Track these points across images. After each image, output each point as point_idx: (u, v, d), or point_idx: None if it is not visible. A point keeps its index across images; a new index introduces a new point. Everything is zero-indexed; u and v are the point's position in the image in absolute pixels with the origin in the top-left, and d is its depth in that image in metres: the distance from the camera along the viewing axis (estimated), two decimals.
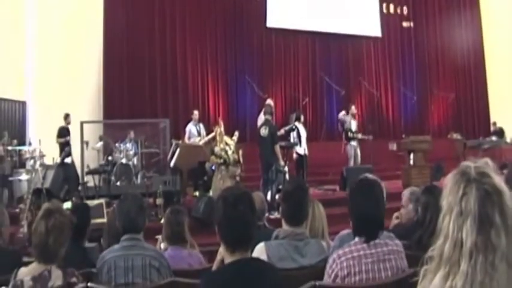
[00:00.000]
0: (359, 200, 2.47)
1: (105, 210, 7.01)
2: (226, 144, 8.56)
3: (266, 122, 8.39)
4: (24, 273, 2.48)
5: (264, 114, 8.62)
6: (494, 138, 13.68)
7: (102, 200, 7.50)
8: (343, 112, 11.36)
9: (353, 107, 11.31)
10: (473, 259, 1.23)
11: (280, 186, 8.67)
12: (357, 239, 2.44)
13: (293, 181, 3.47)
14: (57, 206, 2.60)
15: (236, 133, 9.21)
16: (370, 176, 2.65)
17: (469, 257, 1.23)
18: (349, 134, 10.80)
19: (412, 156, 10.08)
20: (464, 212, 1.26)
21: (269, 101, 10.25)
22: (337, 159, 11.47)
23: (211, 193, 8.63)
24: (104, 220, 6.32)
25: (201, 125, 10.64)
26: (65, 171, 9.11)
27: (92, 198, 8.28)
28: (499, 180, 1.28)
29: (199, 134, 10.42)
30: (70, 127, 10.25)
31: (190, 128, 10.47)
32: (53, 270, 2.48)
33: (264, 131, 8.24)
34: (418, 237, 2.99)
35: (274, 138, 8.21)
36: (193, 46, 13.99)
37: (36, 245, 2.48)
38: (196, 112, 10.68)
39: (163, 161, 10.90)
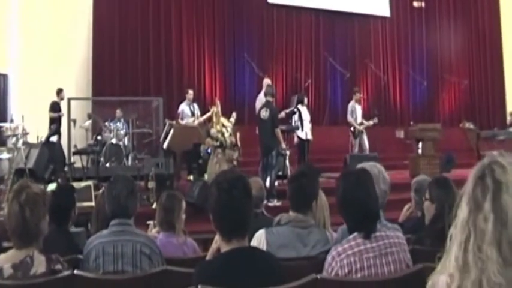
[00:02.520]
0: (349, 193, 2.43)
1: (93, 193, 6.99)
2: (223, 126, 8.53)
3: (267, 104, 8.34)
4: (3, 260, 2.42)
5: (265, 95, 8.56)
6: (511, 129, 13.62)
7: (90, 182, 7.48)
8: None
9: (357, 93, 11.30)
10: (465, 236, 1.30)
11: (280, 172, 8.70)
12: (355, 233, 2.40)
13: (304, 165, 3.46)
14: (26, 182, 2.55)
15: (234, 114, 9.17)
16: (359, 167, 2.66)
17: (462, 234, 1.31)
18: (355, 131, 10.80)
19: (420, 145, 10.08)
20: (464, 191, 1.35)
21: (267, 80, 10.19)
22: (340, 145, 11.46)
23: (206, 177, 8.63)
24: (92, 203, 6.30)
25: (195, 105, 10.60)
26: (50, 151, 9.06)
27: (79, 180, 8.27)
28: (509, 172, 1.32)
29: (193, 114, 10.38)
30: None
31: (184, 108, 10.43)
32: (35, 256, 2.42)
33: (264, 114, 8.20)
34: (434, 231, 2.96)
35: (274, 121, 8.18)
36: (189, 20, 13.86)
37: (13, 227, 2.39)
38: (191, 91, 10.63)
39: (156, 142, 10.87)
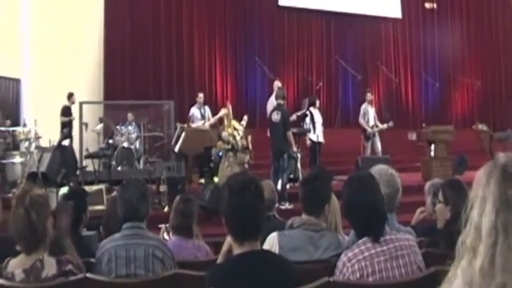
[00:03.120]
0: (354, 198, 2.43)
1: (105, 197, 7.04)
2: (235, 129, 8.55)
3: (278, 107, 8.36)
4: (14, 265, 2.43)
5: (276, 98, 8.57)
6: None
7: (101, 186, 7.53)
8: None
9: (369, 94, 11.24)
10: (492, 240, 1.26)
11: (292, 175, 8.69)
12: (364, 238, 2.39)
13: (316, 167, 3.46)
14: (28, 186, 2.57)
15: (245, 117, 9.20)
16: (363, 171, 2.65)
17: (488, 239, 1.26)
18: (367, 134, 10.76)
19: (433, 147, 10.01)
20: (486, 196, 1.30)
21: (277, 83, 10.20)
22: (352, 148, 11.43)
23: (217, 180, 8.64)
24: (104, 207, 6.34)
25: (207, 108, 10.62)
26: (63, 155, 9.12)
27: (91, 183, 8.32)
28: None
29: (203, 117, 10.40)
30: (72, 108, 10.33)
31: (194, 111, 10.47)
32: (45, 259, 2.43)
33: (275, 117, 8.21)
34: (447, 234, 2.94)
35: (286, 124, 8.18)
36: (200, 23, 13.92)
37: (20, 231, 2.38)
38: (201, 95, 10.65)
39: (167, 145, 10.91)
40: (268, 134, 9.14)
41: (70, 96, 10.49)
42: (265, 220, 2.14)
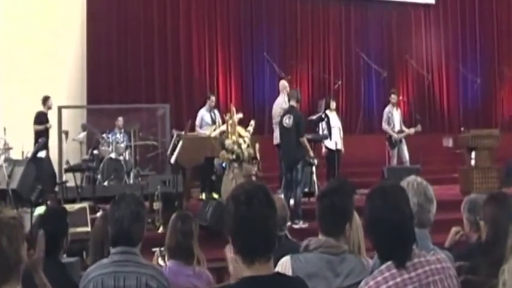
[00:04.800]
0: (378, 214, 2.39)
1: (89, 217, 7.05)
2: (240, 136, 8.57)
3: (291, 110, 8.39)
4: None
5: (289, 99, 8.62)
6: None
7: (85, 204, 7.55)
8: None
9: (393, 95, 11.27)
10: None
11: (307, 189, 8.70)
12: (388, 262, 2.36)
13: (335, 179, 3.45)
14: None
15: (252, 123, 9.21)
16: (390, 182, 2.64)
17: None
18: (392, 140, 10.75)
19: (473, 155, 9.97)
20: None
21: (283, 83, 10.26)
22: (376, 157, 11.42)
23: (220, 196, 8.66)
24: (88, 229, 6.36)
25: (216, 112, 10.67)
26: (38, 168, 9.13)
27: (73, 201, 8.35)
28: None
29: (214, 122, 10.44)
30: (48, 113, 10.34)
31: (203, 115, 10.50)
32: None
33: (287, 121, 8.24)
34: (488, 259, 2.94)
35: (300, 129, 8.21)
36: (199, 14, 14.00)
37: None
38: (213, 98, 10.75)
39: (162, 156, 10.94)
40: (275, 142, 9.20)
41: (45, 100, 10.45)
42: (277, 238, 2.15)
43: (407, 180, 2.91)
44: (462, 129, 11.41)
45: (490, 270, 2.77)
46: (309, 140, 8.82)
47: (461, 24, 16.41)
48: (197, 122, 10.53)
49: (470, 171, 9.88)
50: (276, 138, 9.44)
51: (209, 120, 10.45)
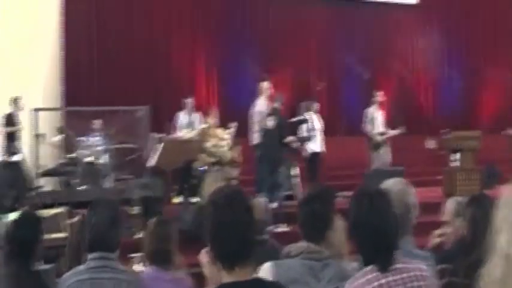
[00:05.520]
0: (362, 219, 2.44)
1: (65, 222, 6.99)
2: (221, 139, 8.56)
3: (274, 111, 8.43)
4: None
5: (275, 101, 8.70)
6: None
7: (61, 209, 7.48)
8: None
9: (378, 95, 11.29)
10: None
11: (289, 192, 8.72)
12: (371, 265, 2.40)
13: (317, 185, 3.47)
14: None
15: (233, 125, 9.22)
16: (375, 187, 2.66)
17: None
18: (374, 142, 10.77)
19: (456, 156, 10.06)
20: None
21: (264, 84, 10.24)
22: (359, 159, 11.46)
23: (201, 200, 8.65)
24: (64, 235, 6.31)
25: (197, 115, 10.65)
26: (12, 173, 9.06)
27: (49, 206, 8.26)
28: None
29: (190, 125, 10.41)
30: (20, 115, 10.19)
31: (181, 117, 10.50)
32: None
33: (270, 122, 8.27)
34: (467, 261, 2.97)
35: (283, 131, 8.26)
36: (180, 15, 13.98)
37: None
38: (188, 100, 10.70)
39: (142, 159, 10.88)
40: (254, 142, 9.25)
41: (15, 101, 10.23)
42: (256, 242, 2.15)
43: (387, 187, 2.93)
44: (445, 130, 11.51)
45: (468, 272, 2.81)
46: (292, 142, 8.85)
47: (445, 25, 16.56)
48: (176, 125, 10.52)
49: (453, 173, 9.97)
50: (254, 139, 9.48)
51: (186, 123, 10.43)
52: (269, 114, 8.50)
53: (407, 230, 2.96)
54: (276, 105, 8.60)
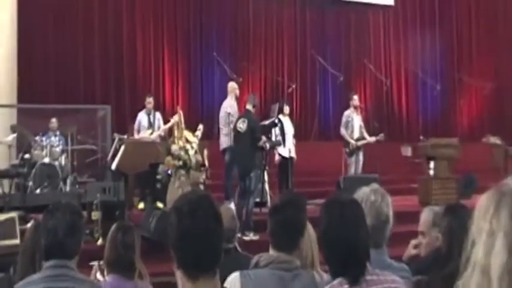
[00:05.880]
0: (332, 229, 2.44)
1: (18, 228, 6.88)
2: (187, 141, 8.55)
3: (246, 114, 8.45)
4: None
5: (248, 102, 8.71)
6: None
7: (13, 214, 7.33)
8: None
9: (355, 97, 11.32)
10: (505, 285, 1.26)
11: (258, 199, 8.73)
12: (340, 278, 2.40)
13: (288, 192, 3.48)
14: None
15: (200, 127, 9.20)
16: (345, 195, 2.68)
17: (500, 285, 1.26)
18: (350, 147, 10.79)
19: (432, 164, 10.19)
20: (496, 230, 1.30)
21: (232, 84, 10.25)
22: (332, 165, 11.51)
23: (165, 206, 8.61)
24: (17, 241, 6.21)
25: (158, 115, 10.58)
26: None
27: (0, 211, 8.14)
28: None
29: (151, 125, 10.35)
30: None
31: (141, 117, 10.41)
32: None
33: (241, 125, 8.29)
34: (442, 273, 3.00)
35: (255, 134, 8.27)
36: (144, 10, 13.88)
37: None
38: (150, 99, 10.62)
39: (102, 161, 10.79)
40: (221, 147, 9.26)
41: None
42: (223, 252, 2.14)
43: (360, 197, 2.94)
44: (421, 137, 11.66)
45: (443, 284, 2.84)
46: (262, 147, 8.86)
47: (420, 28, 16.80)
48: (135, 126, 10.42)
49: (429, 182, 10.10)
50: (222, 144, 9.48)
51: (146, 124, 10.37)
52: (240, 117, 8.50)
53: (382, 241, 2.98)
54: (249, 106, 8.60)
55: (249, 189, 8.22)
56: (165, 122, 10.41)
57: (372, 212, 2.89)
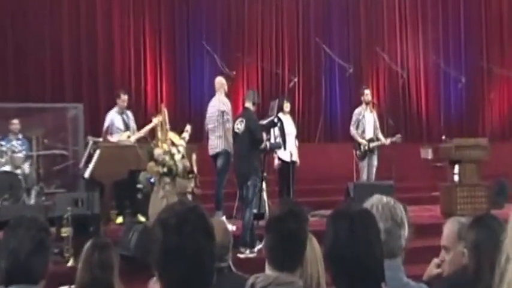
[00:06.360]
0: (340, 245, 2.42)
1: None
2: (173, 144, 8.54)
3: (245, 113, 8.47)
4: None
5: (247, 99, 8.74)
6: None
7: None
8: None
9: (367, 92, 11.31)
10: None
11: (255, 210, 8.73)
12: None
13: (285, 203, 3.45)
14: None
15: (188, 128, 9.18)
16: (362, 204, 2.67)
17: None
18: (361, 149, 10.79)
19: (457, 169, 10.17)
20: None
21: (220, 79, 10.25)
22: (340, 171, 11.54)
23: (148, 219, 8.60)
24: None
25: (129, 114, 10.56)
26: None
27: None
28: None
29: (127, 127, 10.34)
30: None
31: (113, 118, 10.37)
32: None
33: (239, 126, 8.32)
34: None
35: (254, 136, 8.28)
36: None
37: None
38: (124, 96, 10.58)
39: (74, 169, 10.78)
40: (210, 152, 9.27)
41: None
42: (214, 272, 2.14)
43: (372, 202, 2.94)
44: (444, 137, 11.64)
45: None
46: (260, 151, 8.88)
47: (442, 10, 16.75)
48: (105, 128, 10.32)
49: (453, 189, 10.07)
50: (214, 147, 9.49)
51: (121, 125, 10.33)
52: (238, 116, 8.53)
53: (396, 249, 2.95)
54: (248, 104, 8.61)
55: (246, 199, 8.23)
56: (147, 122, 10.39)
57: (384, 214, 2.88)
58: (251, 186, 8.25)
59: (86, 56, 13.42)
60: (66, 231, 7.63)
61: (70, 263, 7.21)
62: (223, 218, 8.56)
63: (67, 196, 8.64)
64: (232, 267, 4.18)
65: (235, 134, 8.51)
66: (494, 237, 3.09)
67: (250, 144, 8.28)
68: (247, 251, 7.81)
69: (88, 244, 3.77)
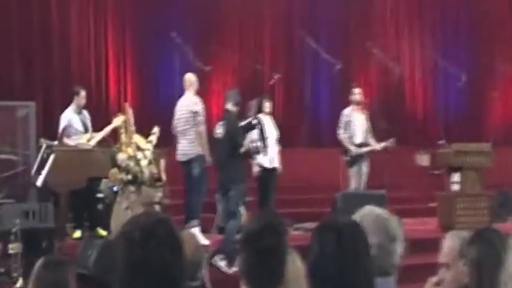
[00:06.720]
0: (325, 262, 2.44)
1: None
2: (138, 148, 8.52)
3: (225, 116, 8.50)
4: None
5: (227, 100, 8.76)
6: None
7: None
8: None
9: (357, 91, 11.36)
10: None
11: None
12: None
13: (261, 216, 3.44)
14: None
15: (155, 130, 9.16)
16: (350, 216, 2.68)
17: None
18: (350, 155, 10.82)
19: (457, 177, 10.23)
20: None
21: (190, 76, 10.26)
22: (326, 179, 11.58)
23: (109, 233, 8.58)
24: None
25: (86, 114, 10.53)
26: None
27: None
28: None
29: (86, 129, 10.30)
30: None
31: (71, 118, 10.32)
32: None
33: (219, 130, 8.35)
34: None
35: (235, 140, 8.32)
36: None
37: None
38: (83, 92, 10.55)
39: (25, 176, 10.72)
40: (178, 158, 9.30)
41: None
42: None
43: (362, 214, 2.94)
44: (441, 142, 11.70)
45: None
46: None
47: (441, 3, 16.89)
48: (61, 129, 10.24)
49: (452, 200, 10.14)
50: (182, 153, 9.49)
51: (80, 126, 10.29)
52: (221, 120, 8.60)
53: (389, 267, 2.96)
54: (228, 105, 8.63)
55: (227, 210, 8.26)
56: (107, 122, 10.36)
57: (376, 227, 2.89)
58: (232, 196, 8.27)
59: (38, 48, 13.35)
60: (14, 248, 7.59)
61: (19, 284, 7.19)
62: (198, 229, 8.58)
63: (16, 207, 8.59)
64: (208, 286, 4.18)
65: (215, 140, 8.52)
66: (495, 253, 3.11)
67: (230, 149, 8.30)
68: (223, 264, 7.82)
69: (40, 262, 3.74)
